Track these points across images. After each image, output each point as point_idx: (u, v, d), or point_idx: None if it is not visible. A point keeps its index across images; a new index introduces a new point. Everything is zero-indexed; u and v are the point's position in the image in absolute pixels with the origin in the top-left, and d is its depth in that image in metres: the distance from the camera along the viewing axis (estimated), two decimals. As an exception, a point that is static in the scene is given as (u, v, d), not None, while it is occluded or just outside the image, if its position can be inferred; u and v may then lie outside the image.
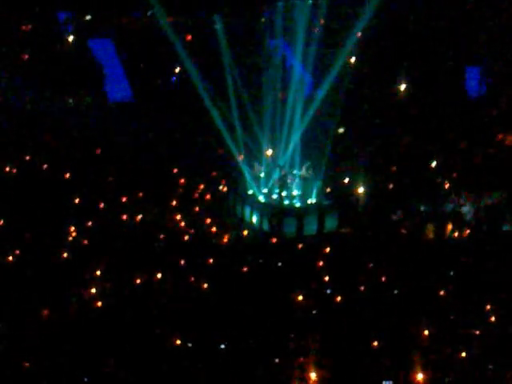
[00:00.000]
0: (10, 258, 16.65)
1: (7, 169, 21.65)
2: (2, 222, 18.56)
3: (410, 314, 15.43)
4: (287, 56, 27.34)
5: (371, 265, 17.52)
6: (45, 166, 22.10)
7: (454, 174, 22.86)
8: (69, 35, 28.72)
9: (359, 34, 25.66)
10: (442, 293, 16.28)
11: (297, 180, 21.09)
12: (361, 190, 21.31)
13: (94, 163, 22.76)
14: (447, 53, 27.68)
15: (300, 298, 15.72)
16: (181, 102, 26.47)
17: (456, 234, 19.98)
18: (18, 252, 16.91)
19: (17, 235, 17.92)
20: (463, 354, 14.12)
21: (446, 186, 22.13)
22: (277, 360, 13.66)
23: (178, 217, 19.81)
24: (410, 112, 26.14)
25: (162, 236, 18.52)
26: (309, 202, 20.79)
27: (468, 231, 20.10)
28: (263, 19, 29.44)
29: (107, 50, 28.86)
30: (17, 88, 25.34)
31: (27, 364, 13.05)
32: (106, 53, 28.75)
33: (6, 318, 14.29)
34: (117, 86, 27.97)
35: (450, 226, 20.10)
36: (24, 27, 27.81)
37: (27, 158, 22.22)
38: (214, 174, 22.52)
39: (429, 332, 14.68)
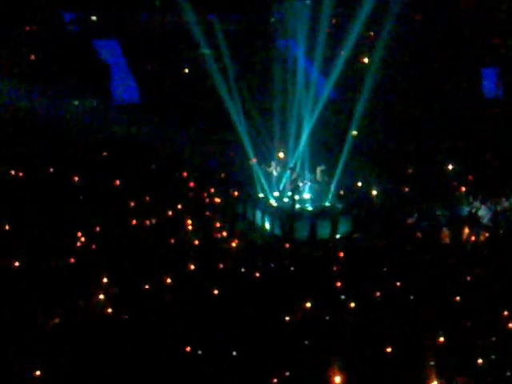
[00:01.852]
0: (17, 263, 16.77)
1: (13, 172, 21.90)
2: (7, 226, 18.73)
3: (425, 320, 15.46)
4: (298, 57, 27.45)
5: (386, 270, 17.59)
6: (51, 169, 22.34)
7: (471, 177, 22.94)
8: (74, 36, 29.03)
9: (371, 33, 25.83)
10: (458, 298, 16.32)
11: (309, 183, 21.17)
12: (375, 192, 21.47)
13: (101, 166, 22.97)
14: (464, 54, 27.77)
15: (313, 304, 15.77)
16: (190, 104, 26.69)
17: (473, 238, 20.00)
18: (24, 257, 17.05)
19: (23, 240, 18.10)
20: (479, 361, 14.15)
21: (463, 189, 22.20)
22: (288, 372, 13.70)
23: (188, 221, 19.94)
24: (426, 114, 26.31)
25: (171, 240, 18.66)
26: (321, 205, 20.87)
27: (485, 235, 20.12)
28: (273, 19, 29.62)
29: (113, 50, 29.07)
30: (22, 90, 25.58)
31: (34, 370, 13.17)
32: (111, 53, 28.97)
33: (13, 323, 14.43)
34: (123, 87, 28.18)
35: (466, 230, 20.13)
36: (28, 28, 28.10)
37: (35, 161, 22.53)
38: (225, 177, 22.69)
39: (444, 339, 14.71)
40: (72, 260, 17.16)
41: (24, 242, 17.87)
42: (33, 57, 27.26)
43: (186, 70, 28.45)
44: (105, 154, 23.81)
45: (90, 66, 28.12)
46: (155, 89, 27.85)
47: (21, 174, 21.92)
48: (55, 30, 28.92)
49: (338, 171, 21.19)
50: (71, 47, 28.23)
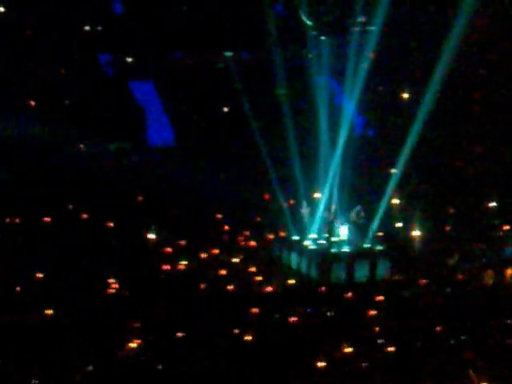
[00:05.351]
0: (50, 311, 17.25)
1: (48, 219, 22.50)
2: (41, 275, 19.26)
3: (469, 366, 15.35)
4: (336, 93, 27.73)
5: (427, 314, 17.55)
6: (84, 215, 22.90)
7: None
8: (109, 78, 29.80)
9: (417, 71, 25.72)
10: (503, 343, 16.20)
11: (346, 224, 21.25)
12: (415, 233, 21.46)
13: (136, 211, 23.45)
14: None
15: (351, 349, 15.83)
16: (225, 145, 27.10)
17: (517, 280, 19.90)
18: (57, 306, 17.49)
19: (57, 288, 18.60)
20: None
21: (506, 227, 22.06)
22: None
23: (222, 265, 20.22)
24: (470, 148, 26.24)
25: (204, 286, 18.94)
26: (359, 247, 20.95)
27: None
28: (310, 55, 30.00)
29: (148, 92, 29.76)
30: (57, 133, 26.22)
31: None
32: (147, 95, 29.64)
33: (47, 371, 14.81)
34: (158, 129, 28.75)
35: (510, 271, 19.98)
36: (63, 71, 28.94)
37: (68, 207, 23.09)
38: (259, 219, 22.93)
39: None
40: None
41: (56, 290, 18.38)
42: (67, 101, 27.97)
43: (224, 109, 28.87)
44: (139, 198, 24.31)
45: (126, 108, 28.80)
46: (191, 131, 28.35)
47: (51, 219, 22.48)
48: (91, 72, 29.70)
49: (376, 211, 21.27)
50: (107, 89, 28.98)
